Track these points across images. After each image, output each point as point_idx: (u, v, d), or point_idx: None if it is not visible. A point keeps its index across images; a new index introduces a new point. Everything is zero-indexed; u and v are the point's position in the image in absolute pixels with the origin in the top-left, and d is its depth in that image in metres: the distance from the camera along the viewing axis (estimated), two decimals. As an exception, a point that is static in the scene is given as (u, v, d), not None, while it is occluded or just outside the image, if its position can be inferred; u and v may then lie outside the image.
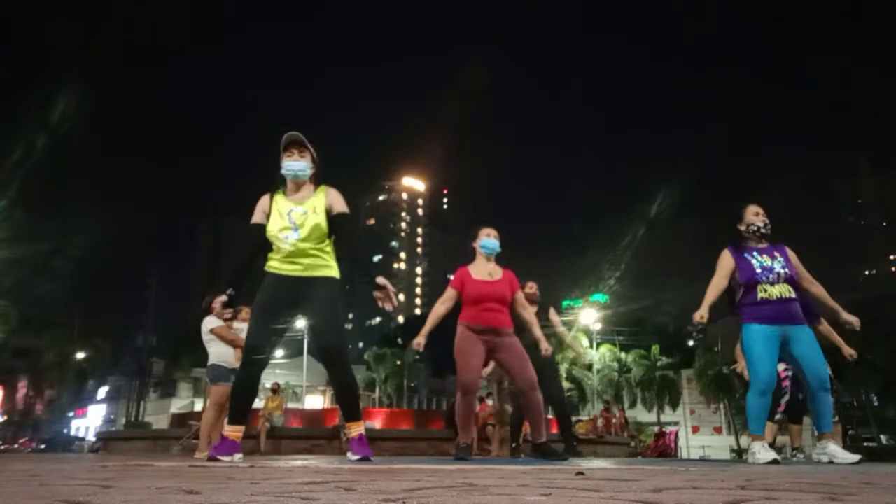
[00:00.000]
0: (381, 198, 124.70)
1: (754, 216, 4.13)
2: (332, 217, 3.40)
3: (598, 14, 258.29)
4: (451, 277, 4.58)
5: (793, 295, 3.98)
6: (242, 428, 3.32)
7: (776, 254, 4.08)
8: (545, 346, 4.71)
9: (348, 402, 3.45)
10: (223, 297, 3.40)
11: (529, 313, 4.64)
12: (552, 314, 6.56)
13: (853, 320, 4.19)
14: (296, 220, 3.34)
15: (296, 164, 3.41)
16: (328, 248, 3.42)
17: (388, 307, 3.36)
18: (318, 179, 3.53)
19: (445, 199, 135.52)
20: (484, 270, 4.38)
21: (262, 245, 3.41)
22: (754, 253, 4.07)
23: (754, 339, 3.91)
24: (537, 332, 4.69)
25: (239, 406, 3.37)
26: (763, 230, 4.11)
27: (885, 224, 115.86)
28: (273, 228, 3.37)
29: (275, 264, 3.38)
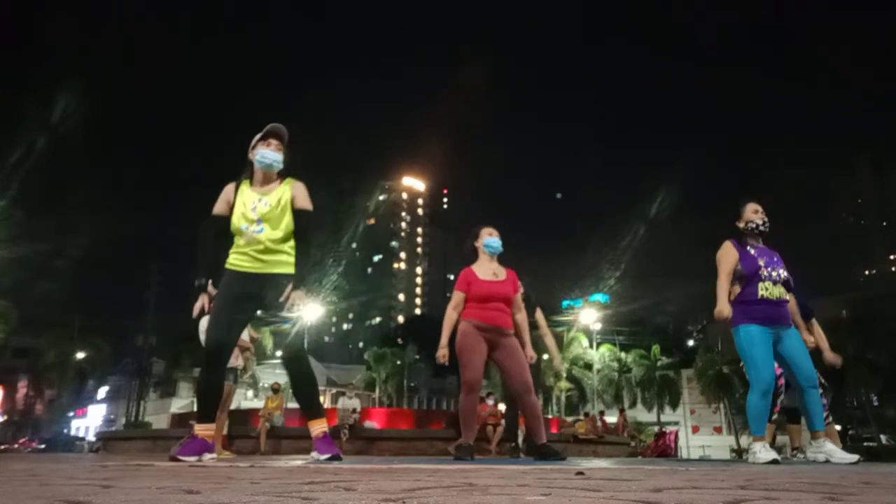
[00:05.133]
0: (381, 198, 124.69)
1: (753, 213, 4.11)
2: (294, 211, 3.32)
3: (598, 14, 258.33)
4: (453, 278, 4.56)
5: (787, 297, 4.02)
6: (213, 426, 3.26)
7: (774, 256, 4.09)
8: (531, 353, 4.68)
9: (309, 400, 3.39)
10: (198, 283, 3.28)
11: (523, 317, 4.63)
12: (538, 314, 6.48)
13: (811, 340, 4.45)
14: (260, 213, 3.26)
15: (272, 155, 3.34)
16: (291, 245, 3.34)
17: (289, 314, 3.19)
18: (284, 174, 3.46)
19: (445, 199, 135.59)
20: (489, 270, 4.37)
21: (224, 235, 3.33)
22: (756, 250, 4.06)
23: (753, 341, 3.89)
24: (525, 336, 4.64)
25: (208, 406, 3.30)
26: (762, 228, 4.08)
27: (885, 224, 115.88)
28: (236, 220, 3.29)
29: (234, 260, 3.31)
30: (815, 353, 4.77)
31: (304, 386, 3.38)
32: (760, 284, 3.92)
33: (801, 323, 4.37)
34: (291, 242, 3.34)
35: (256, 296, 3.27)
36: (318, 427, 3.34)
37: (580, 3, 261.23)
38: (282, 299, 3.18)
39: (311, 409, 3.40)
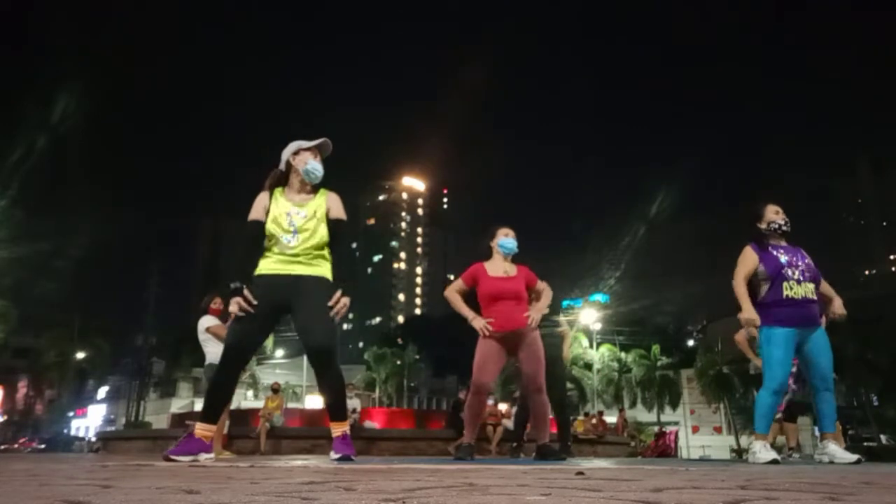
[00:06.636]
0: (381, 198, 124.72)
1: (774, 214, 4.11)
2: (328, 221, 3.34)
3: (598, 14, 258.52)
4: (453, 277, 4.53)
5: (814, 296, 3.98)
6: (214, 428, 3.19)
7: (798, 254, 4.07)
8: (535, 316, 4.31)
9: (337, 403, 3.36)
10: (234, 286, 3.28)
11: (548, 292, 4.53)
12: (559, 317, 6.58)
13: (842, 313, 4.12)
14: (296, 223, 3.27)
15: (319, 167, 3.38)
16: (325, 255, 3.34)
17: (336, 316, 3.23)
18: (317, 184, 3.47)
19: (445, 199, 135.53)
20: (500, 268, 4.37)
21: (259, 241, 3.32)
22: (779, 249, 4.05)
23: (775, 343, 3.90)
24: (541, 302, 4.46)
25: (213, 406, 3.23)
26: (784, 228, 4.08)
27: (885, 224, 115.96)
28: (271, 228, 3.28)
29: (267, 265, 3.28)
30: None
31: (331, 389, 3.31)
32: (785, 284, 3.91)
33: (833, 294, 4.21)
34: (326, 251, 3.35)
35: (285, 298, 3.24)
36: (338, 429, 3.31)
37: (580, 2, 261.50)
38: (330, 303, 3.18)
39: (334, 411, 3.34)
